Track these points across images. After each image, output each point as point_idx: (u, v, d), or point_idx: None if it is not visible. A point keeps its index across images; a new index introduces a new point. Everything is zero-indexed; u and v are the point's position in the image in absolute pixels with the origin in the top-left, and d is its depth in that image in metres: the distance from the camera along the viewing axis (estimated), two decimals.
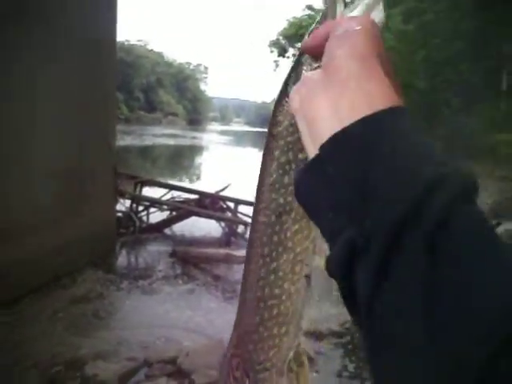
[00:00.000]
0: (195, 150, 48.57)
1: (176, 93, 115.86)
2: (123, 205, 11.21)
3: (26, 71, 6.93)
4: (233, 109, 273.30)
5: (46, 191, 7.55)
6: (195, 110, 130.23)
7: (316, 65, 0.64)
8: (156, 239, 10.93)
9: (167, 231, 11.69)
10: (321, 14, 0.71)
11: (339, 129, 0.48)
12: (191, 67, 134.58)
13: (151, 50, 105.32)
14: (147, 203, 11.77)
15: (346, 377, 5.56)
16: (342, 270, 0.45)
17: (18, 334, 5.99)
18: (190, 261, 9.27)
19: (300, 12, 35.61)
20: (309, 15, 34.42)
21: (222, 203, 12.08)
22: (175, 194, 12.44)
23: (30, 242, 7.06)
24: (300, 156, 0.68)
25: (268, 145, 0.71)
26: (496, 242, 0.41)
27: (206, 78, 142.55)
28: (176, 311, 7.11)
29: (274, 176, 0.69)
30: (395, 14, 26.92)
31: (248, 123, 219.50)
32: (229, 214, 11.84)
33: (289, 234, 0.71)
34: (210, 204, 11.73)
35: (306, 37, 0.67)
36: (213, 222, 11.52)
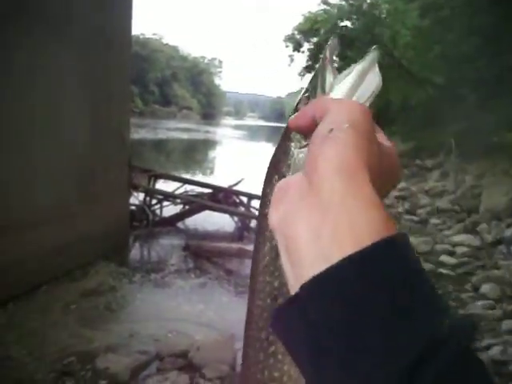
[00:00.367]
0: (209, 144, 48.64)
1: (190, 87, 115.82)
2: (137, 198, 11.23)
3: (36, 64, 6.94)
4: (247, 103, 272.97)
5: (60, 184, 7.58)
6: (209, 104, 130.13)
7: (305, 143, 0.61)
8: (169, 233, 10.95)
9: (180, 225, 11.71)
10: (309, 81, 0.69)
11: (322, 264, 0.43)
12: (206, 61, 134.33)
13: (166, 43, 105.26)
14: (161, 197, 11.78)
15: None
16: None
17: (30, 325, 6.03)
18: (203, 255, 9.27)
19: (315, 7, 35.28)
20: (324, 10, 34.13)
21: (235, 197, 12.08)
22: (188, 187, 12.45)
23: (43, 235, 7.09)
24: None
25: (260, 224, 0.67)
26: None
27: (220, 72, 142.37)
28: (188, 305, 7.12)
29: (267, 258, 0.64)
30: (412, 9, 26.67)
31: (262, 118, 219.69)
32: (242, 209, 11.84)
33: None
34: (223, 198, 11.73)
35: (291, 114, 0.63)
36: (226, 216, 11.51)
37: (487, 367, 0.41)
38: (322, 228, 0.45)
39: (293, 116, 0.62)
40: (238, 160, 30.46)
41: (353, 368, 0.40)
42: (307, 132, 0.58)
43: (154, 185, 11.82)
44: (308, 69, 36.99)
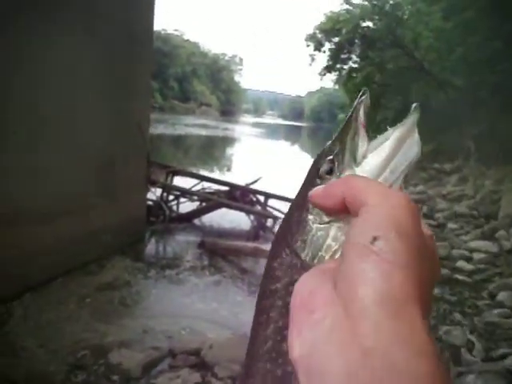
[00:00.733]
0: (227, 141, 48.69)
1: (210, 83, 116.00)
2: (154, 194, 11.28)
3: (61, 58, 6.99)
4: (266, 101, 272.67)
5: (78, 177, 7.62)
6: (229, 101, 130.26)
7: (327, 219, 0.54)
8: (185, 229, 10.98)
9: (196, 221, 11.73)
10: (335, 140, 0.59)
11: None
12: (226, 58, 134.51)
13: (187, 39, 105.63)
14: (178, 193, 11.82)
15: None
16: None
17: (44, 317, 6.08)
18: (218, 252, 9.28)
19: (338, 6, 35.07)
20: (347, 10, 33.98)
21: (252, 196, 12.07)
22: (206, 184, 12.47)
23: (60, 228, 7.15)
24: None
25: (262, 302, 0.58)
26: None
27: (240, 69, 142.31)
28: (202, 303, 7.13)
29: (270, 342, 0.56)
30: (435, 11, 26.48)
31: (281, 116, 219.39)
32: (258, 208, 11.83)
33: None
34: (239, 196, 11.73)
35: (312, 172, 0.58)
36: (242, 214, 11.51)
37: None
38: (359, 373, 0.38)
39: (316, 190, 0.54)
40: (255, 158, 30.50)
41: None
42: (332, 213, 0.52)
43: (171, 181, 11.86)
44: (328, 68, 36.89)
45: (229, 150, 39.91)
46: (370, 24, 33.57)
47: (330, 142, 0.60)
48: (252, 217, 11.51)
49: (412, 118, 0.55)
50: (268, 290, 0.58)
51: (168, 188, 11.58)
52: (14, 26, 6.14)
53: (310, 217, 0.56)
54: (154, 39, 10.87)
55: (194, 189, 12.14)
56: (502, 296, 7.43)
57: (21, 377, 4.95)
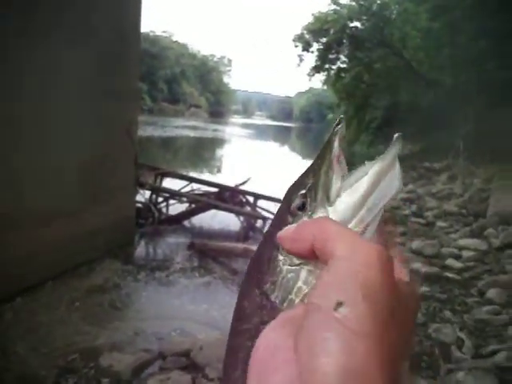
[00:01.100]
0: (217, 142, 48.66)
1: (199, 85, 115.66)
2: (143, 196, 11.26)
3: (48, 61, 6.95)
4: (255, 102, 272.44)
5: (66, 180, 7.59)
6: (218, 102, 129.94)
7: (298, 261, 0.51)
8: (175, 231, 10.96)
9: (186, 223, 11.73)
10: (308, 172, 0.56)
11: None
12: (215, 59, 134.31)
13: (176, 41, 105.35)
14: (167, 195, 11.80)
15: None
16: None
17: (35, 320, 6.05)
18: (208, 254, 9.27)
19: (325, 7, 35.20)
20: (334, 10, 34.10)
21: (241, 197, 12.07)
22: (195, 186, 12.47)
23: (49, 231, 7.12)
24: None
25: (231, 342, 0.56)
26: None
27: (229, 70, 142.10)
28: (192, 304, 7.12)
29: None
30: (422, 11, 26.63)
31: (270, 117, 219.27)
32: (248, 208, 11.83)
33: None
34: (229, 197, 11.73)
35: (286, 227, 0.53)
36: (232, 215, 11.52)
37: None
38: None
39: (286, 231, 0.52)
40: (245, 159, 30.50)
41: None
42: (301, 256, 0.50)
43: (160, 183, 11.85)
44: (317, 69, 37.01)
45: (218, 152, 39.90)
46: (357, 24, 33.78)
47: (304, 172, 0.57)
48: (241, 218, 11.52)
49: (393, 150, 0.51)
50: (238, 330, 0.55)
51: (157, 190, 11.56)
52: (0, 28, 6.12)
53: (281, 257, 0.53)
54: (141, 41, 10.86)
55: (183, 190, 12.12)
56: (491, 293, 7.46)
57: (11, 380, 4.93)
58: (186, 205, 11.92)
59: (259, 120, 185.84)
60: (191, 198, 11.82)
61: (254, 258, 0.58)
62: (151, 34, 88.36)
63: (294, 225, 0.52)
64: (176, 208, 11.80)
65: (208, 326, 6.39)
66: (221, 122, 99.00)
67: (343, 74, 35.69)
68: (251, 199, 11.85)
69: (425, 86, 28.99)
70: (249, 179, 12.86)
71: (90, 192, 8.18)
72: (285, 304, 0.51)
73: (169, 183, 12.28)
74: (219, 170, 25.31)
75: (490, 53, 19.29)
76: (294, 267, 0.51)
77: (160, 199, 11.73)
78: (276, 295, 0.52)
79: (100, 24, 8.09)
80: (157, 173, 11.73)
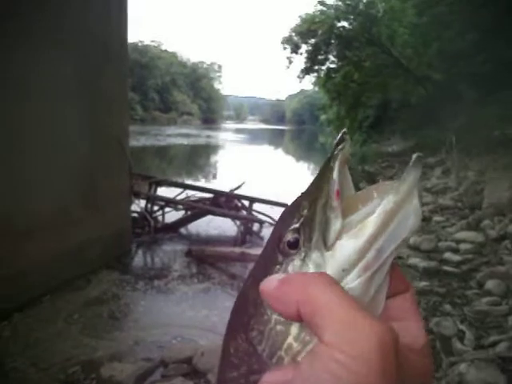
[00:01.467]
0: (210, 148, 48.61)
1: (190, 92, 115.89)
2: (138, 205, 11.24)
3: (36, 73, 6.94)
4: (247, 107, 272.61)
5: (61, 192, 7.57)
6: (210, 108, 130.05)
7: None
8: (171, 239, 10.94)
9: (183, 231, 11.70)
10: (302, 203, 0.48)
11: None
12: (205, 66, 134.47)
13: (165, 50, 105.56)
14: (162, 203, 11.78)
15: None
16: None
17: (33, 336, 6.01)
18: (206, 260, 9.25)
19: (312, 8, 35.22)
20: (321, 11, 34.14)
21: (236, 201, 12.06)
22: (190, 193, 12.45)
23: (44, 244, 7.09)
24: None
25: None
26: None
27: (220, 76, 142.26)
28: (192, 310, 7.10)
29: None
30: (408, 7, 26.72)
31: (263, 121, 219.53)
32: (244, 213, 11.82)
33: None
34: (224, 203, 11.71)
35: (271, 278, 0.46)
36: (228, 220, 11.50)
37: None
38: None
39: (269, 285, 0.45)
40: (240, 163, 30.50)
41: None
42: (287, 318, 0.44)
43: (155, 191, 11.82)
44: (307, 70, 37.05)
45: (213, 158, 39.85)
46: (345, 24, 33.84)
47: (299, 197, 0.49)
48: (238, 222, 11.50)
49: (411, 177, 0.43)
50: (226, 378, 0.50)
51: (152, 199, 11.54)
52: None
53: (268, 309, 0.46)
54: (129, 51, 10.84)
55: (178, 198, 12.11)
56: (489, 284, 7.46)
57: None
58: (182, 212, 11.90)
59: (252, 124, 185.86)
60: (186, 204, 11.80)
61: (240, 295, 0.52)
62: (140, 44, 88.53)
63: (280, 276, 0.45)
64: (172, 216, 11.77)
65: (209, 331, 6.36)
66: (214, 128, 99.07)
67: (333, 74, 35.70)
68: (247, 203, 11.84)
69: (415, 82, 29.06)
70: (243, 183, 12.84)
71: (84, 204, 8.16)
72: (273, 360, 0.45)
73: (164, 191, 12.26)
74: (214, 177, 25.28)
75: (478, 45, 19.34)
76: (283, 319, 0.45)
77: (155, 208, 11.71)
78: (263, 348, 0.46)
79: (86, 36, 8.07)
80: (150, 181, 11.71)
